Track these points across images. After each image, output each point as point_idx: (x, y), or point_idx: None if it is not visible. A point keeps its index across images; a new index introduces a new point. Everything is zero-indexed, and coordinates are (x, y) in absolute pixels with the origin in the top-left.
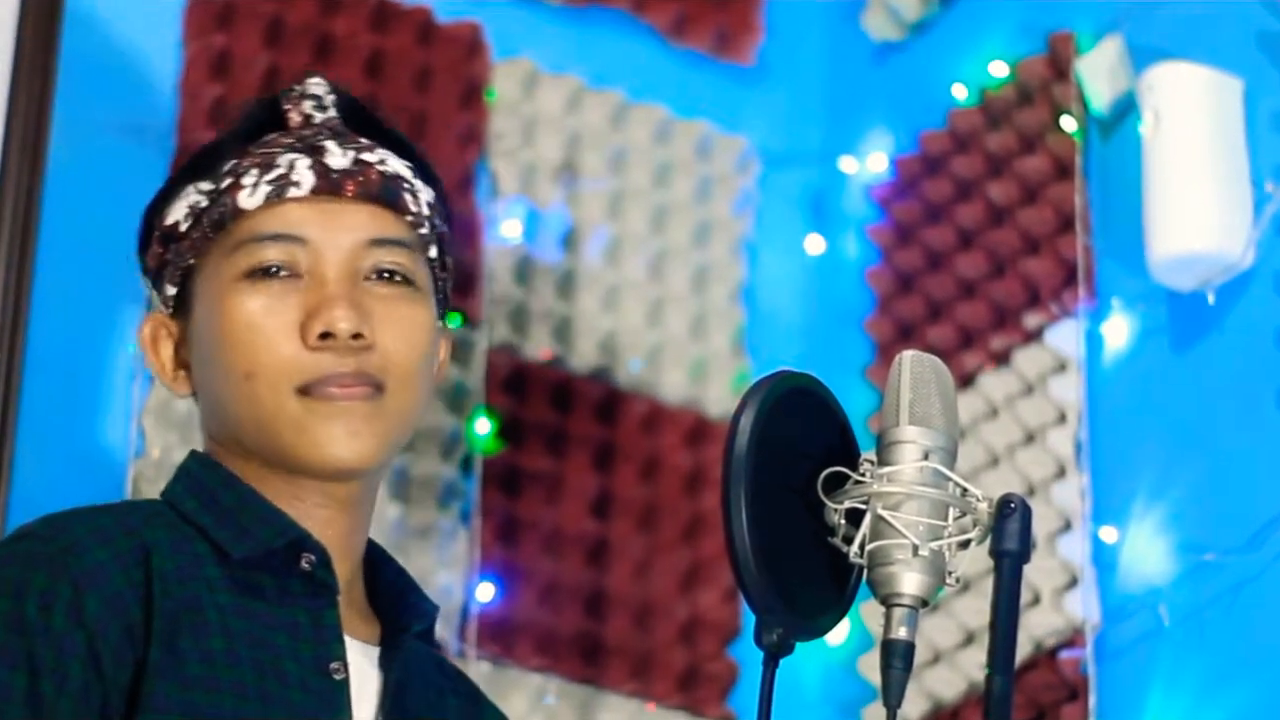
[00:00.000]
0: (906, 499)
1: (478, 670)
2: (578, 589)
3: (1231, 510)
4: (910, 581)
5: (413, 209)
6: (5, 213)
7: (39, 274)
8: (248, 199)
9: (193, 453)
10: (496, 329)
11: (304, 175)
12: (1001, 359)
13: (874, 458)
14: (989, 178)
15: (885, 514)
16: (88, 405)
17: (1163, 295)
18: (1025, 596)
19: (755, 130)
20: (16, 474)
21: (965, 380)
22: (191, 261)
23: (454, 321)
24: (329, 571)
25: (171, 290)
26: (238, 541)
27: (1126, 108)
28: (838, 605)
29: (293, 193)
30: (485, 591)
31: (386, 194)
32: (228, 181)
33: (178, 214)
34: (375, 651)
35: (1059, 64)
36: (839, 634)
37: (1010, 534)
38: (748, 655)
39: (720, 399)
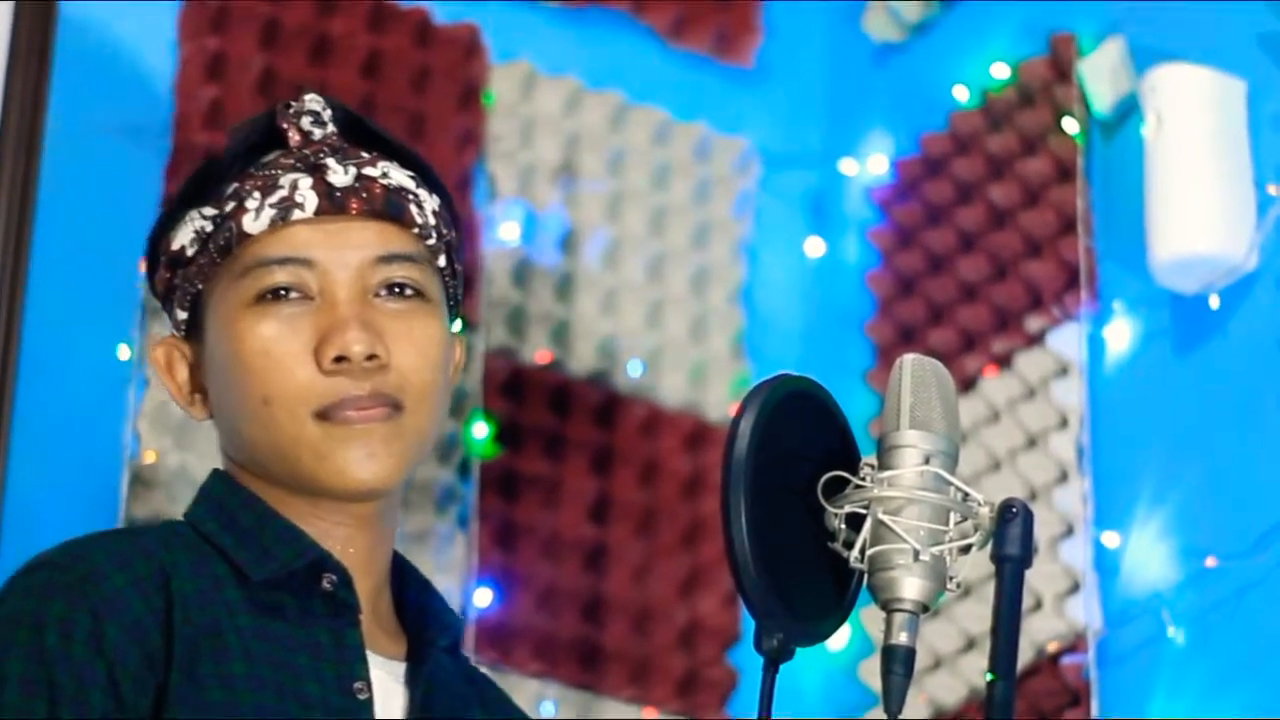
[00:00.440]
0: (907, 504)
1: None
2: (576, 594)
3: (1235, 515)
4: (911, 586)
5: (419, 220)
6: (0, 214)
7: (34, 275)
8: (252, 223)
9: (214, 472)
10: (494, 332)
11: (307, 195)
12: (1003, 362)
13: (874, 462)
14: (990, 180)
15: (886, 519)
16: (83, 408)
17: (1165, 298)
18: (1027, 602)
19: (755, 132)
20: (11, 477)
21: (966, 384)
22: (200, 286)
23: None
24: (350, 591)
25: (182, 314)
26: (258, 563)
27: (1129, 109)
28: (838, 610)
29: (297, 215)
30: (483, 596)
31: (391, 208)
32: (231, 205)
33: (183, 239)
34: (401, 668)
35: (1061, 65)
36: (839, 639)
37: (1012, 539)
38: (747, 661)
39: (720, 402)
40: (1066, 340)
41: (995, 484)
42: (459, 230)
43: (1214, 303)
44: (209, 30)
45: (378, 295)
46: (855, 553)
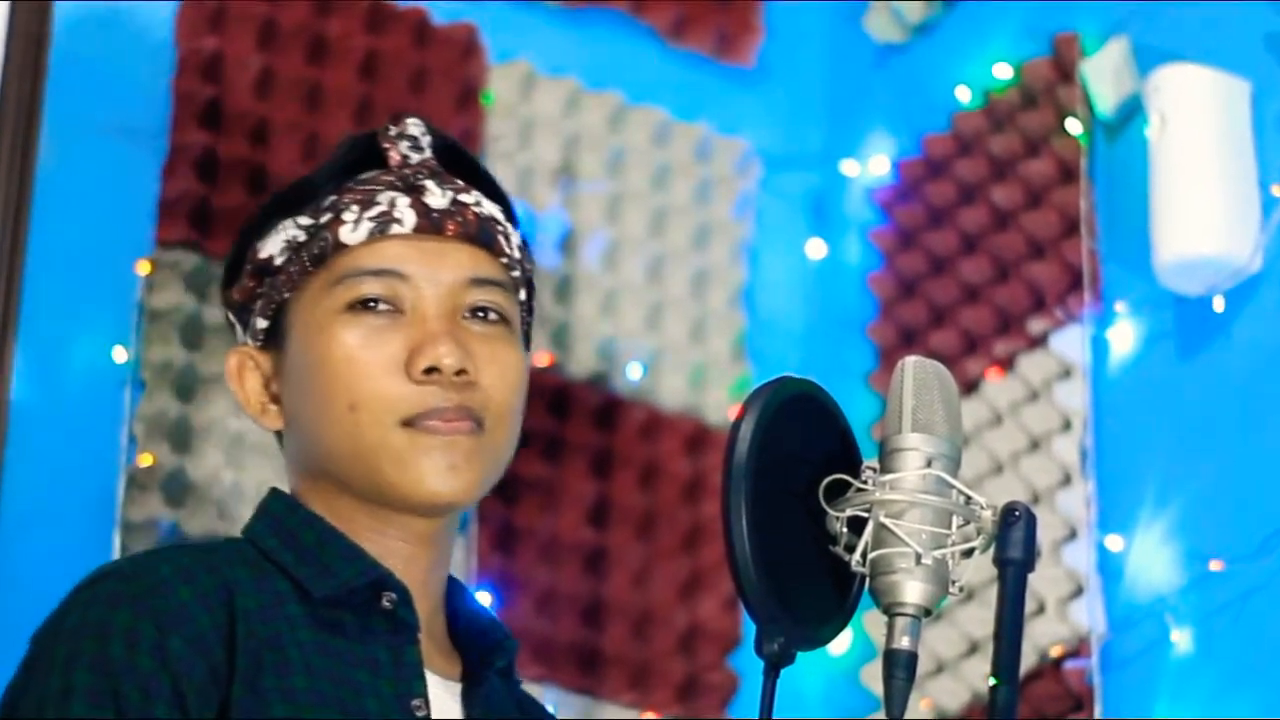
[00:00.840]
0: (909, 507)
1: None
2: (575, 598)
3: (1239, 518)
4: (913, 590)
5: (506, 251)
6: None
7: (29, 277)
8: (350, 234)
9: (273, 490)
10: None
11: (405, 213)
12: (1006, 365)
13: (876, 465)
14: (993, 181)
15: (888, 522)
16: (79, 411)
17: (1169, 300)
18: (1030, 606)
19: (755, 132)
20: (7, 480)
21: (969, 386)
22: (286, 295)
23: None
24: (410, 610)
25: (263, 324)
26: (319, 579)
27: (1132, 110)
28: (840, 614)
29: (395, 229)
30: (482, 600)
31: (484, 235)
32: (328, 216)
33: (273, 248)
34: (457, 688)
35: (1064, 66)
36: (841, 644)
37: (1014, 542)
38: (748, 665)
39: (720, 405)
40: (1069, 342)
41: (998, 487)
42: (534, 269)
43: (1218, 305)
44: (206, 30)
45: (465, 317)
46: (857, 556)
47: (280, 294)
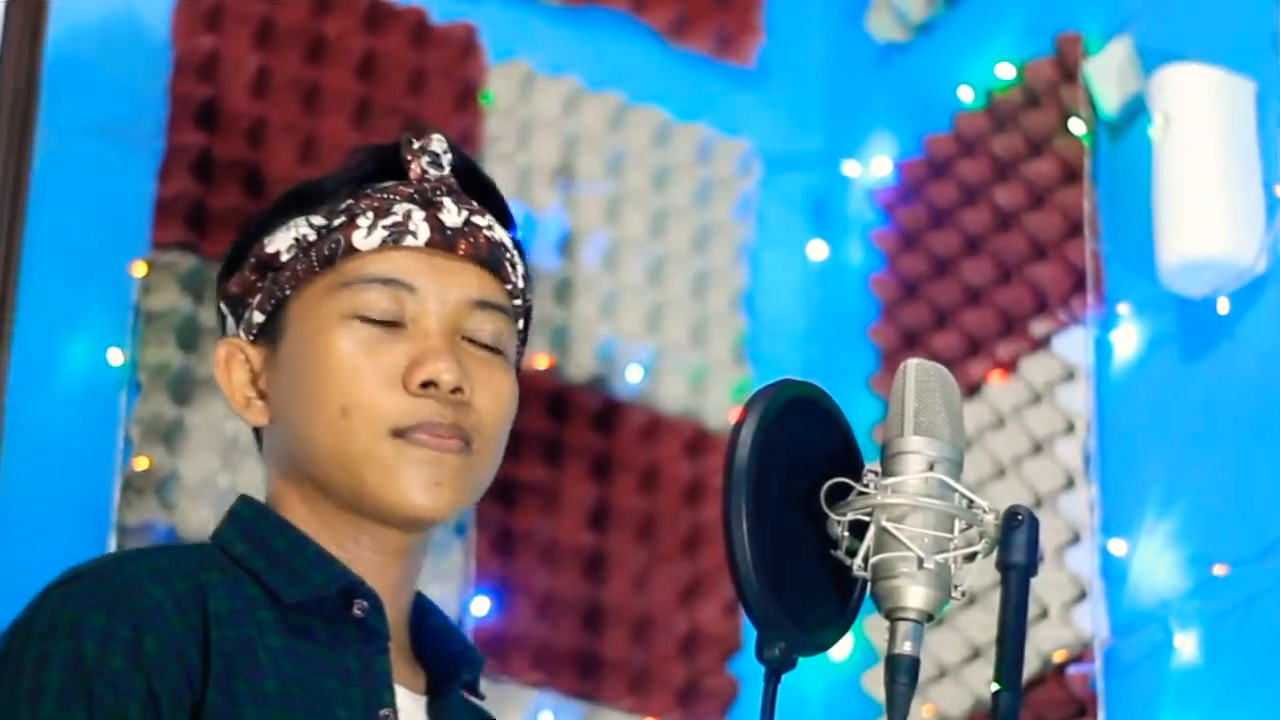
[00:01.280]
0: (911, 511)
1: None
2: (575, 602)
3: (1243, 522)
4: (915, 595)
5: (512, 279)
6: None
7: (24, 279)
8: (363, 239)
9: (242, 497)
10: None
11: (420, 226)
12: (1008, 367)
13: (878, 468)
14: (995, 182)
15: (890, 526)
16: (74, 414)
17: (1173, 302)
18: (1033, 610)
19: (756, 133)
20: (3, 483)
21: (971, 389)
22: (287, 293)
23: None
24: (381, 619)
25: (259, 318)
26: (291, 585)
27: (1136, 110)
28: (841, 619)
29: (409, 241)
30: (480, 605)
31: (493, 259)
32: (341, 220)
33: (280, 244)
34: (423, 700)
35: (1067, 66)
36: (842, 649)
37: (1017, 546)
38: (749, 670)
39: (720, 408)
40: (1073, 345)
41: (1000, 491)
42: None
43: (1222, 306)
44: (203, 30)
45: (464, 339)
46: (859, 560)
47: (282, 290)
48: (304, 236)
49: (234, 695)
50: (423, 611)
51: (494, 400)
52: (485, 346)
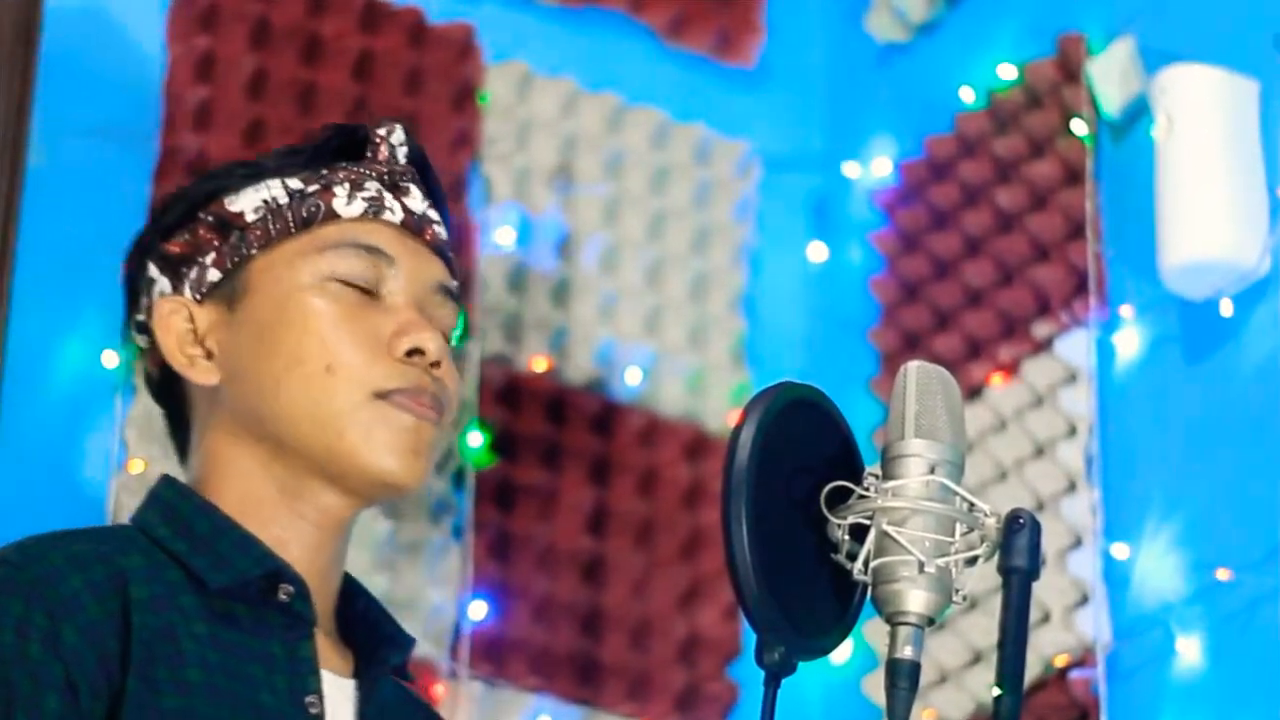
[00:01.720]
0: (912, 514)
1: (470, 691)
2: (573, 607)
3: (1247, 526)
4: (916, 599)
5: (455, 277)
6: None
7: (18, 281)
8: (344, 206)
9: (164, 477)
10: (490, 339)
11: (394, 205)
12: (1010, 370)
13: (879, 472)
14: (997, 183)
15: (890, 530)
16: (69, 416)
17: (1175, 304)
18: (1034, 615)
19: (756, 134)
20: None
21: (972, 392)
22: (253, 252)
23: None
24: (306, 603)
25: (215, 276)
26: (214, 570)
27: (1138, 111)
28: (841, 624)
29: (387, 216)
30: (478, 609)
31: (446, 253)
32: (316, 186)
33: (245, 204)
34: (350, 684)
35: (1069, 66)
36: (842, 653)
37: (1019, 550)
38: (748, 675)
39: (720, 411)
40: (1075, 347)
41: (1002, 494)
42: None
43: (1225, 309)
44: (198, 30)
45: None
46: (859, 564)
47: (248, 250)
48: (274, 199)
49: (154, 683)
50: (351, 594)
51: (454, 383)
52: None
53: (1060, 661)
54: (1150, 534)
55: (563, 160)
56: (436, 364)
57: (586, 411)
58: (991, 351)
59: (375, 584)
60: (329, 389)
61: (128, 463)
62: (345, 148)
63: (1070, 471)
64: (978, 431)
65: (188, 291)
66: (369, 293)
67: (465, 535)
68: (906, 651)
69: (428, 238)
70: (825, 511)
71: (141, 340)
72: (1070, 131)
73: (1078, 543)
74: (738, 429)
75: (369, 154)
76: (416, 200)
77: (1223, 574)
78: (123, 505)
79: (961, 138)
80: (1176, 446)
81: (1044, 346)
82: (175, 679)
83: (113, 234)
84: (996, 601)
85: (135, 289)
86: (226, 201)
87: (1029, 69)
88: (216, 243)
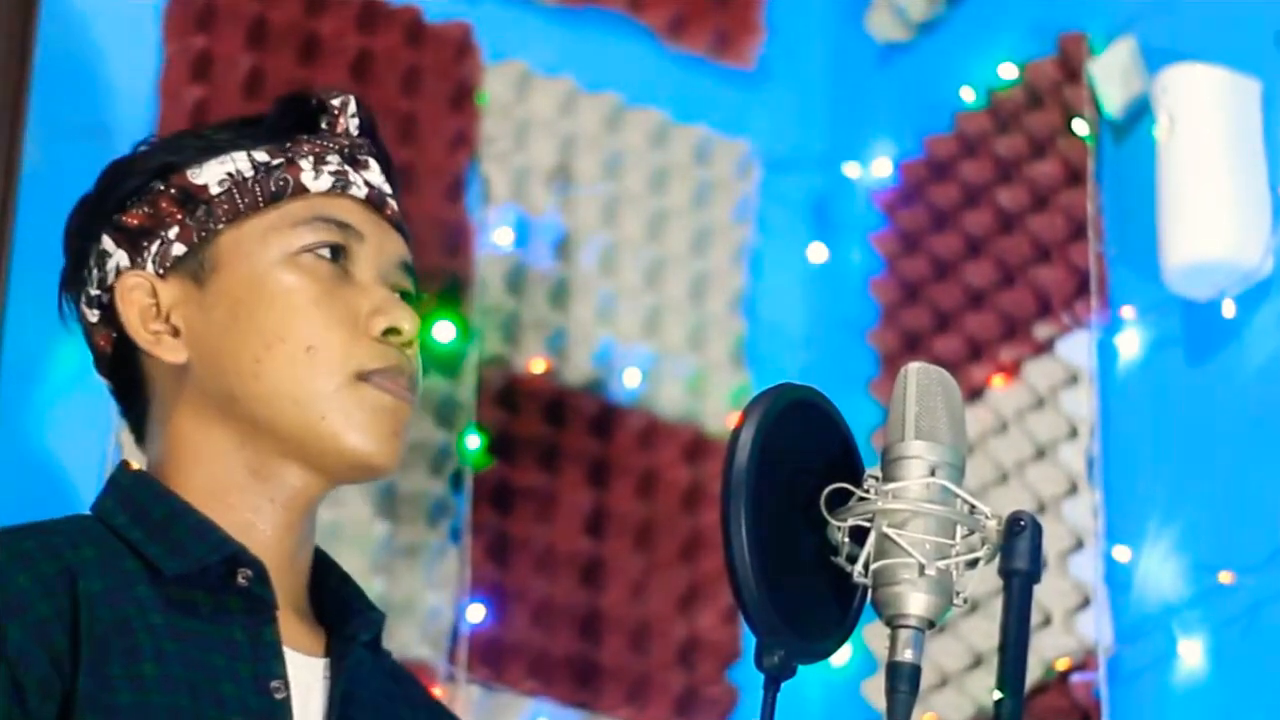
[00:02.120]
0: (912, 516)
1: (468, 694)
2: (572, 609)
3: (1250, 528)
4: (916, 602)
5: (412, 251)
6: None
7: (13, 282)
8: (312, 181)
9: (122, 463)
10: (488, 340)
11: (356, 180)
12: (1011, 371)
13: (879, 474)
14: (998, 183)
15: (890, 532)
16: (64, 419)
17: (1178, 305)
18: (1035, 617)
19: (756, 134)
20: None
21: (973, 393)
22: (219, 227)
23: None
24: (266, 587)
25: (179, 250)
26: (170, 557)
27: (1140, 111)
28: (841, 626)
29: (353, 191)
30: (475, 612)
31: (403, 229)
32: (281, 159)
33: (209, 176)
34: (321, 663)
35: (1070, 65)
36: (842, 656)
37: (1020, 553)
38: (748, 678)
39: (719, 413)
40: (1076, 348)
41: (1003, 496)
42: None
43: (1228, 309)
44: (194, 29)
45: None
46: (859, 567)
47: (214, 224)
48: (238, 172)
49: (108, 680)
50: (323, 570)
51: (419, 363)
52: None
53: (1062, 665)
54: (1152, 536)
55: (562, 160)
56: (409, 343)
57: (585, 413)
58: (992, 353)
59: (372, 587)
60: (311, 369)
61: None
62: (301, 119)
63: (1072, 473)
64: (978, 433)
65: (150, 266)
66: (340, 269)
67: (463, 538)
68: (907, 654)
69: (388, 213)
70: (825, 514)
71: (92, 315)
72: (1071, 131)
73: (1079, 545)
74: (737, 430)
75: (325, 125)
76: (375, 174)
77: (1225, 577)
78: None
79: (962, 137)
80: (1179, 448)
81: (1045, 347)
82: (130, 674)
83: None
84: (997, 604)
85: (82, 261)
86: (189, 174)
87: (1030, 68)
88: (180, 216)
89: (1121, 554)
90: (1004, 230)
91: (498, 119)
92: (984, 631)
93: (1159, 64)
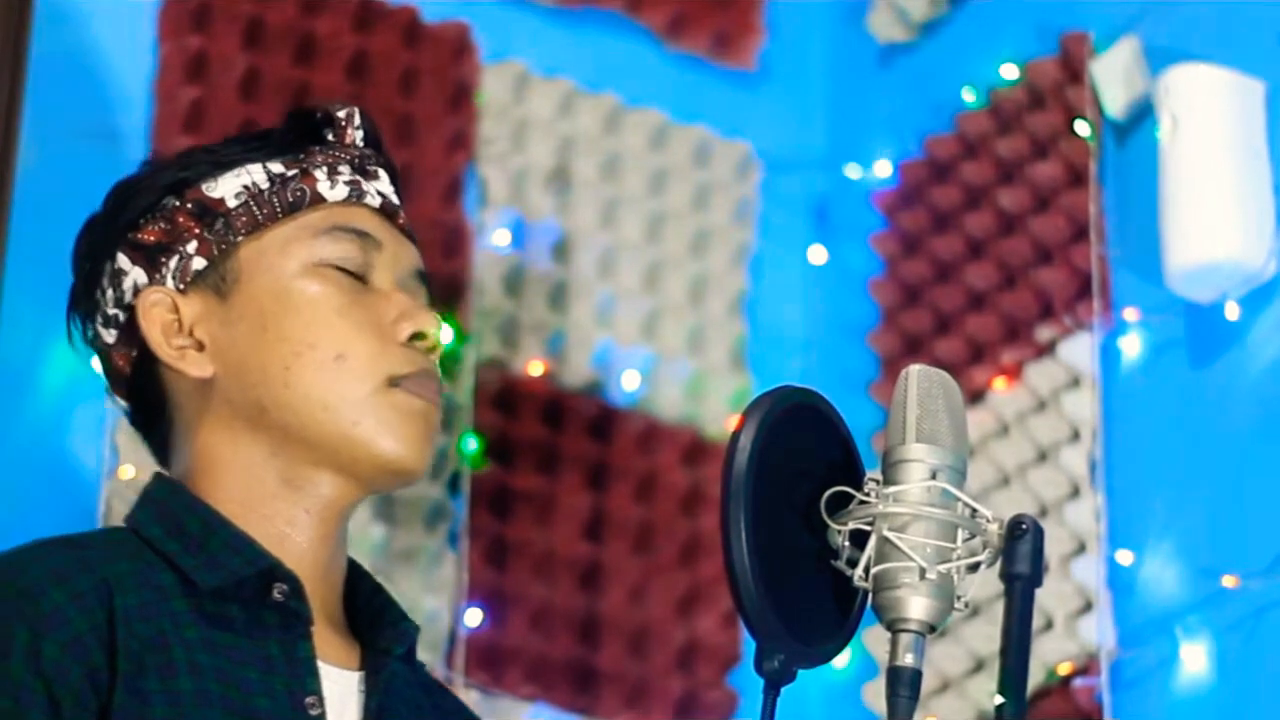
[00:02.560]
0: (913, 520)
1: (466, 699)
2: (570, 614)
3: (1253, 533)
4: (917, 606)
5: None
6: None
7: (8, 284)
8: (329, 190)
9: (156, 475)
10: (486, 342)
11: (369, 189)
12: (1013, 374)
13: (879, 477)
14: (999, 184)
15: (891, 536)
16: (59, 421)
17: (1180, 307)
18: (1037, 622)
19: (756, 135)
20: None
21: (974, 396)
22: (238, 239)
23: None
24: (302, 601)
25: (200, 264)
26: (206, 570)
27: (1143, 111)
28: (842, 631)
29: (368, 200)
30: (474, 617)
31: (414, 238)
32: (296, 170)
33: (226, 189)
34: (355, 677)
35: (1072, 66)
36: (842, 661)
37: (1022, 556)
38: (748, 683)
39: (719, 415)
40: (1078, 350)
41: (1004, 499)
42: None
43: (1231, 312)
44: (190, 29)
45: None
46: (859, 571)
47: (233, 237)
48: (254, 184)
49: (144, 695)
50: (353, 581)
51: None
52: None
53: (1064, 669)
54: (1155, 540)
55: (560, 161)
56: (434, 348)
57: (584, 416)
58: (994, 355)
59: None
60: (341, 375)
61: (118, 468)
62: (310, 131)
63: (1074, 476)
64: (980, 436)
65: (169, 281)
66: (359, 277)
67: (461, 542)
68: (908, 659)
69: (400, 223)
70: (825, 517)
71: (108, 335)
72: (1074, 132)
73: (1081, 549)
74: (737, 433)
75: (333, 136)
76: (385, 184)
77: (1229, 581)
78: (113, 511)
79: (963, 138)
80: (1182, 451)
81: (1047, 350)
82: (165, 689)
83: None
84: (999, 608)
85: (95, 281)
86: (204, 188)
87: (1032, 68)
88: (198, 230)
89: (1124, 558)
90: (1005, 232)
91: (495, 120)
92: (985, 636)
93: (1162, 64)
